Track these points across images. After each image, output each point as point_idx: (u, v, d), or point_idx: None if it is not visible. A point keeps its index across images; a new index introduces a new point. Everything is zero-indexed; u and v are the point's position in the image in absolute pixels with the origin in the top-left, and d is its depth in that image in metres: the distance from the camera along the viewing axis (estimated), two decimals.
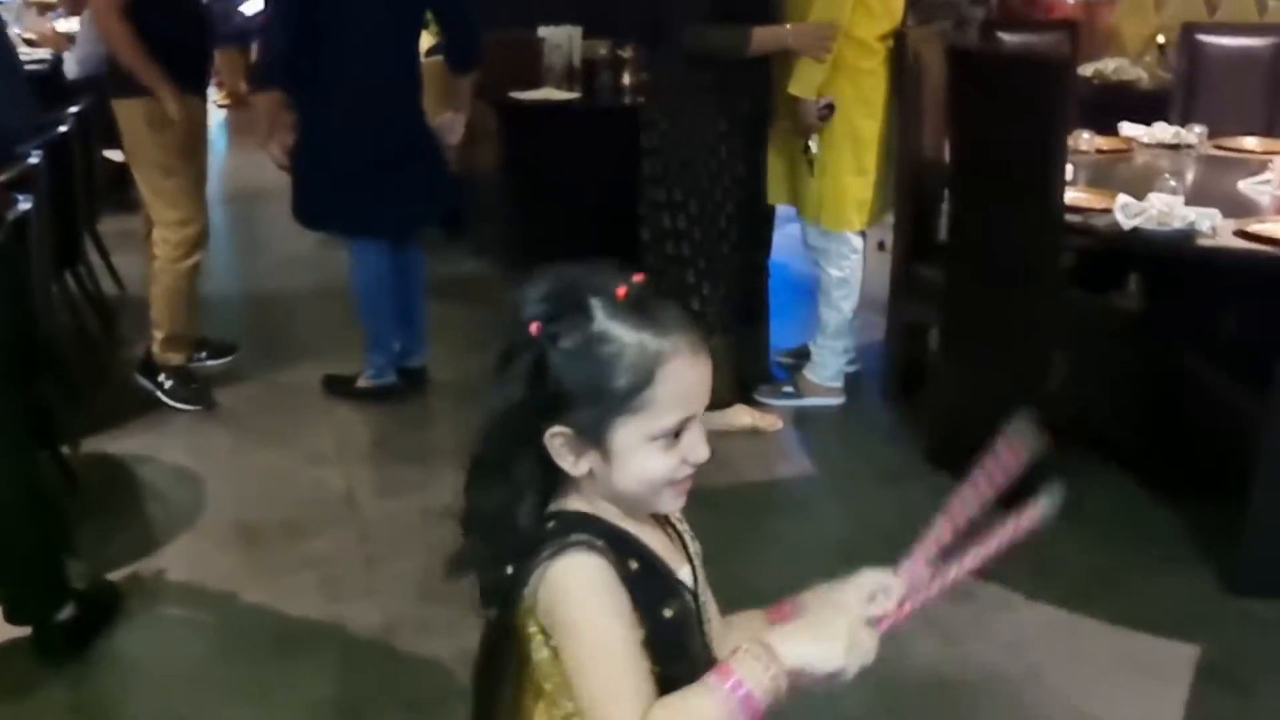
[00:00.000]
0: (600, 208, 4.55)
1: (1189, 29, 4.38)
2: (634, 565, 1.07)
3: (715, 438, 1.10)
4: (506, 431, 1.07)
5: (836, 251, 3.50)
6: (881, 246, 4.31)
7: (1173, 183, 2.96)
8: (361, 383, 3.66)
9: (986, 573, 1.18)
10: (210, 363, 3.85)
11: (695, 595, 1.16)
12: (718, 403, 2.97)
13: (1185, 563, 2.77)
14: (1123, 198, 2.79)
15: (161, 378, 3.59)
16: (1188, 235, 2.69)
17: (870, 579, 1.16)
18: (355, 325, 3.68)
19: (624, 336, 1.04)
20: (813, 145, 3.30)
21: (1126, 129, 3.93)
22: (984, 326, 3.06)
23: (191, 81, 3.50)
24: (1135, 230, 2.73)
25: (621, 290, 1.06)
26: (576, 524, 1.08)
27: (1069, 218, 2.82)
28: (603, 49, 5.12)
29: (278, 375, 3.86)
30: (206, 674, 2.35)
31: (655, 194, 3.27)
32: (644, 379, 1.04)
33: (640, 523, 1.13)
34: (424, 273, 3.73)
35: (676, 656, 1.08)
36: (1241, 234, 2.70)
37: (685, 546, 1.19)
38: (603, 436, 1.05)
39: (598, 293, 1.05)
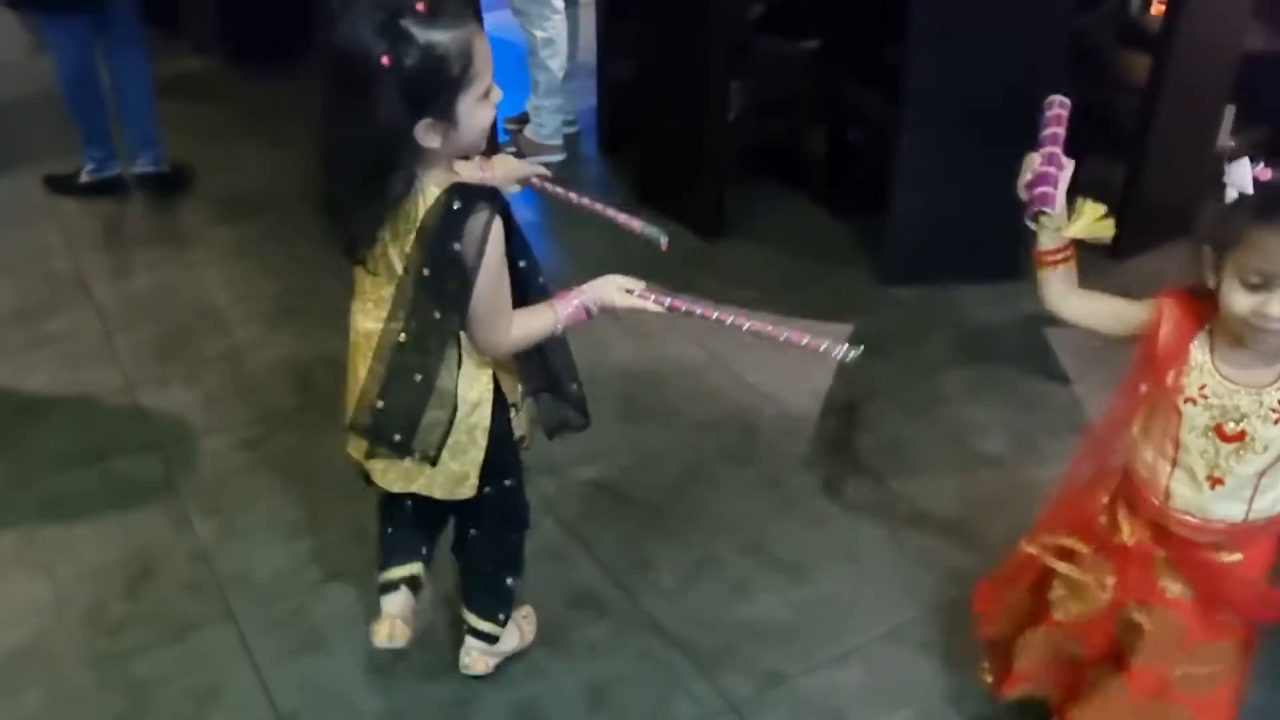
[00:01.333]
0: None
1: None
2: (482, 197, 1.43)
3: None
4: (392, 134, 1.36)
5: (538, 14, 3.67)
6: None
7: None
8: (84, 178, 3.65)
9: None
10: None
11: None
12: None
13: (847, 264, 3.21)
14: None
15: None
16: None
17: (617, 278, 1.62)
18: (74, 127, 3.64)
19: (442, 39, 1.34)
20: None
21: None
22: (668, 70, 3.33)
23: None
24: None
25: (420, 6, 1.33)
26: (476, 192, 1.42)
27: None
28: None
29: None
30: None
31: None
32: (466, 60, 1.36)
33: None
34: (145, 71, 3.59)
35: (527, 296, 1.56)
36: None
37: None
38: (452, 112, 1.38)
39: (407, 14, 1.33)
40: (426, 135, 1.39)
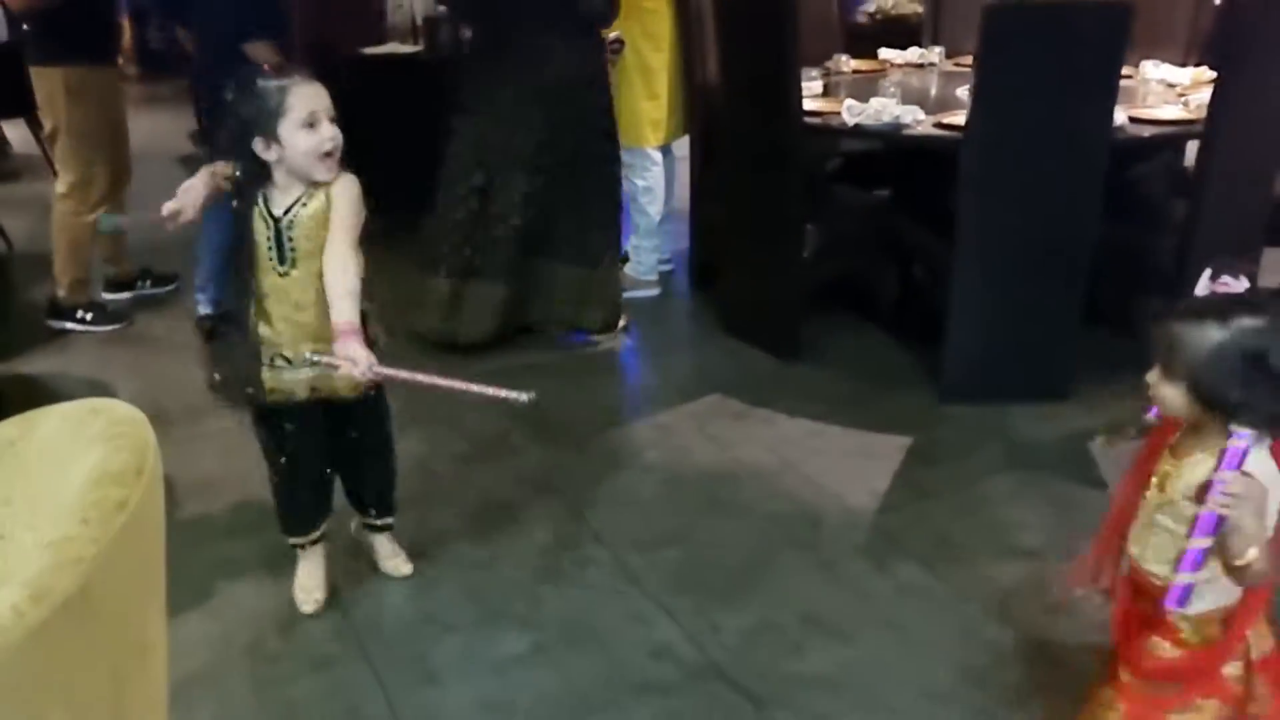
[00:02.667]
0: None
1: None
2: (234, 176, 2.19)
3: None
4: (242, 141, 2.13)
5: (640, 165, 4.19)
6: None
7: (891, 89, 3.73)
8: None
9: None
10: (153, 290, 4.55)
11: (277, 220, 2.17)
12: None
13: (910, 385, 3.56)
14: (849, 101, 3.53)
15: (80, 314, 4.18)
16: (896, 127, 3.44)
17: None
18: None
19: (266, 84, 2.10)
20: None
21: (884, 53, 4.71)
22: (751, 214, 3.79)
23: (104, 52, 4.01)
24: (857, 125, 3.47)
25: (266, 68, 2.16)
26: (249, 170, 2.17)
27: (809, 120, 3.55)
28: (442, 5, 5.70)
29: (181, 300, 4.42)
30: None
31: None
32: (282, 98, 2.08)
33: (295, 187, 2.16)
34: None
35: (239, 240, 2.22)
36: (939, 125, 3.46)
37: (298, 202, 2.16)
38: (275, 132, 2.09)
39: (260, 73, 2.14)
40: (260, 148, 2.10)
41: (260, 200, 2.18)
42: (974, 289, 3.33)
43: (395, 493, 2.60)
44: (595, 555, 2.72)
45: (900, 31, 5.47)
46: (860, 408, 3.44)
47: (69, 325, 4.18)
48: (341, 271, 2.11)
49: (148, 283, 4.54)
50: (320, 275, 2.15)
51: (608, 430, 3.32)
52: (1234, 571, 1.54)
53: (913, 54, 4.68)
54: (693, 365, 3.81)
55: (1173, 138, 3.43)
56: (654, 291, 4.38)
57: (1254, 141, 3.34)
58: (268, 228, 2.18)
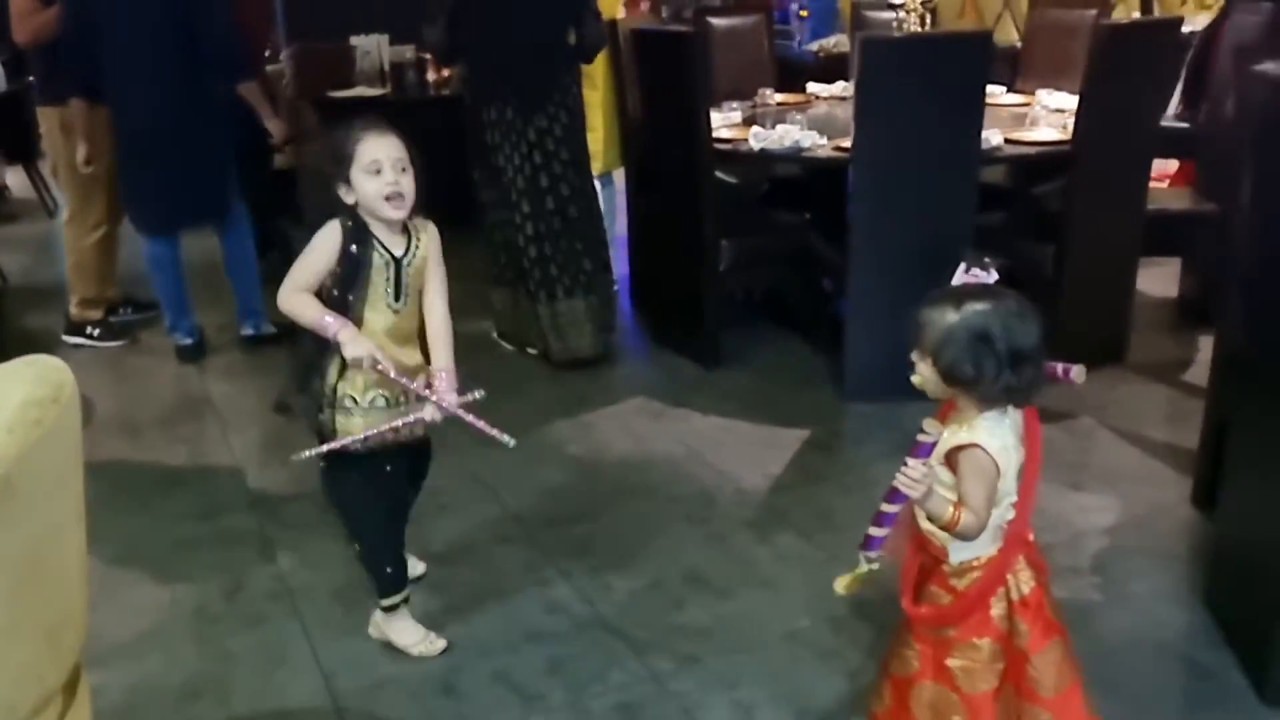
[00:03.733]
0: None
1: (856, 6, 5.55)
2: (349, 223, 2.27)
3: None
4: (331, 187, 2.27)
5: None
6: None
7: (799, 118, 4.09)
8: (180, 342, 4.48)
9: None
10: (134, 316, 4.88)
11: (398, 260, 2.28)
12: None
13: (817, 386, 3.89)
14: (755, 129, 3.89)
15: (89, 330, 4.60)
16: (796, 150, 3.80)
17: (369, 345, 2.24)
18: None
19: (343, 134, 2.26)
20: None
21: (811, 86, 5.09)
22: (673, 233, 4.13)
23: (99, 91, 4.37)
24: (762, 150, 3.83)
25: (359, 124, 2.28)
26: (350, 213, 2.28)
27: (720, 146, 3.91)
28: (408, 53, 6.11)
29: (154, 329, 4.78)
30: (104, 501, 3.26)
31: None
32: (353, 147, 2.22)
33: (395, 229, 2.29)
34: (250, 255, 4.48)
35: (351, 280, 2.27)
36: (836, 149, 3.81)
37: (413, 244, 2.32)
38: (349, 177, 2.23)
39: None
40: (344, 193, 2.24)
41: (377, 243, 2.27)
42: (868, 295, 3.66)
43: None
44: (511, 533, 3.04)
45: (842, 68, 5.84)
46: (770, 406, 3.76)
47: (81, 341, 4.60)
48: (445, 321, 2.38)
49: (129, 309, 4.89)
50: (416, 313, 2.36)
51: (537, 429, 3.65)
52: (946, 529, 1.79)
53: (837, 87, 5.05)
54: (623, 373, 4.14)
55: (1046, 156, 3.76)
56: None
57: (1119, 157, 3.68)
58: (388, 268, 2.27)
